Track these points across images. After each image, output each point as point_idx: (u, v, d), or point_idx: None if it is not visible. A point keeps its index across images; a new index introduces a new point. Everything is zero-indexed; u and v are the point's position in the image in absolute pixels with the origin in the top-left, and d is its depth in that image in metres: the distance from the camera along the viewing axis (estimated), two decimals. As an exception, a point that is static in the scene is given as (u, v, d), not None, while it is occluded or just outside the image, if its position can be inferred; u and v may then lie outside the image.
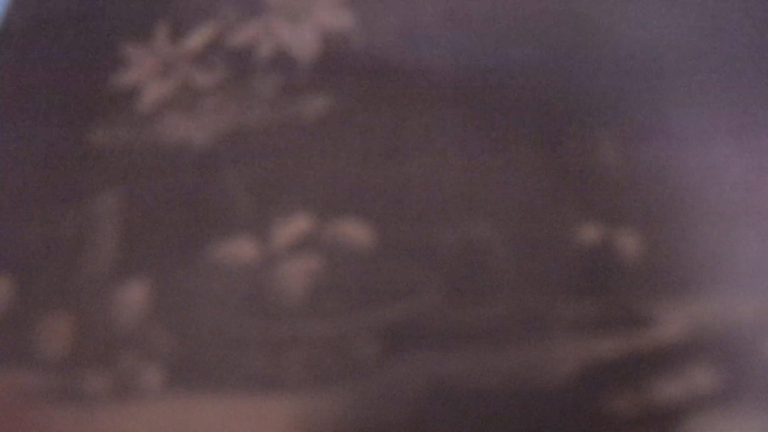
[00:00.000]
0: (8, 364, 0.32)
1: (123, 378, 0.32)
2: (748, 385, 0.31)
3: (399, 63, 0.37)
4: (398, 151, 0.35)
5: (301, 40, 0.38)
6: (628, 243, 0.33)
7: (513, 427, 0.30)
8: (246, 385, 0.32)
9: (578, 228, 0.33)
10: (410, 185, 0.34)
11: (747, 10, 0.38)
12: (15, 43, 0.39)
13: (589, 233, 0.33)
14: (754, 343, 0.31)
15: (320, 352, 0.32)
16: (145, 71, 0.38)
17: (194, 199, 0.34)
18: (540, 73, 0.36)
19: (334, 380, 0.31)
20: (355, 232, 0.34)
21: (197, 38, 0.39)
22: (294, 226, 0.34)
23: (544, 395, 0.31)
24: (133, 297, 0.33)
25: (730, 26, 0.38)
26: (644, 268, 0.33)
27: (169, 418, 0.31)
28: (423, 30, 0.38)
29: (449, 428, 0.31)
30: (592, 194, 0.34)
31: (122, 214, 0.34)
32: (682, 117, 0.36)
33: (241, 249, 0.34)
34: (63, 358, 0.32)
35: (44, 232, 0.34)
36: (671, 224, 0.33)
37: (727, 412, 0.31)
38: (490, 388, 0.31)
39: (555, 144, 0.35)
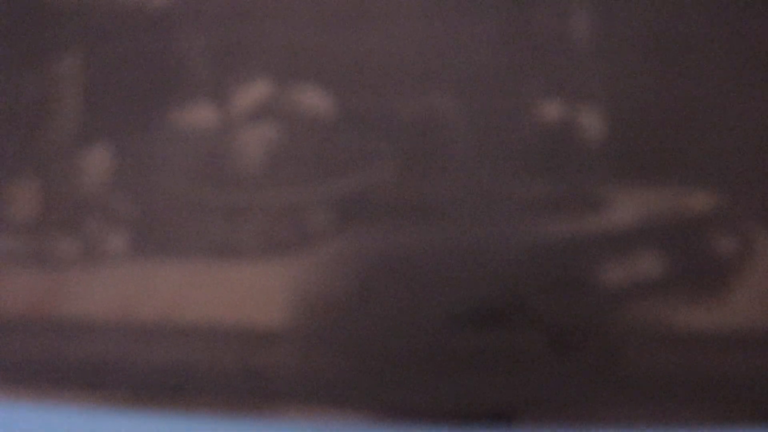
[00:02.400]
0: (-20, 227, 0.34)
1: (89, 242, 0.33)
2: (690, 274, 0.31)
3: None
4: (362, 17, 0.34)
5: None
6: (590, 123, 0.33)
7: (455, 299, 0.31)
8: (204, 251, 0.33)
9: (540, 105, 0.33)
10: (371, 54, 0.34)
11: None
12: None
13: (551, 111, 0.33)
14: (699, 235, 0.31)
15: (275, 221, 0.32)
16: None
17: (153, 63, 0.34)
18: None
19: (287, 249, 0.32)
20: (313, 100, 0.33)
21: None
22: (252, 93, 0.34)
23: (489, 272, 0.31)
24: (96, 162, 0.34)
25: None
26: (603, 150, 0.32)
27: (133, 282, 0.33)
28: None
29: (395, 299, 0.32)
30: (558, 69, 0.33)
31: (83, 78, 0.34)
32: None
33: (199, 115, 0.34)
34: (32, 223, 0.33)
35: (8, 98, 0.34)
36: (636, 106, 0.32)
37: (669, 299, 0.31)
38: (436, 262, 0.32)
39: (524, 13, 0.33)
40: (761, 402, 0.31)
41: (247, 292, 0.32)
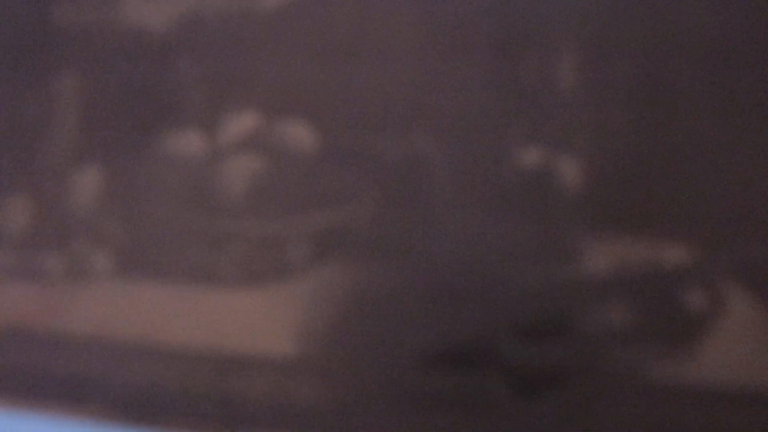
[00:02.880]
0: (-27, 239, 0.35)
1: (76, 261, 0.34)
2: (662, 327, 0.32)
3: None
4: (353, 56, 0.34)
5: None
6: (569, 172, 0.33)
7: (427, 339, 0.32)
8: (185, 276, 0.34)
9: (521, 151, 0.33)
10: (359, 92, 0.34)
11: None
12: None
13: (531, 157, 0.33)
14: (672, 288, 0.32)
15: (255, 250, 0.33)
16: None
17: (148, 89, 0.35)
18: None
19: (265, 279, 0.33)
20: (299, 135, 0.34)
21: None
22: (241, 123, 0.35)
23: (461, 314, 0.32)
24: (87, 183, 0.35)
25: None
26: (580, 199, 0.33)
27: (115, 301, 0.34)
28: None
29: (369, 334, 0.33)
30: (541, 117, 0.33)
31: (81, 99, 0.35)
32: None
33: (189, 142, 0.35)
34: (22, 238, 0.34)
35: (7, 114, 0.35)
36: (616, 157, 0.33)
37: (640, 351, 0.32)
38: (410, 301, 0.32)
39: (512, 60, 0.34)
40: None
41: (224, 319, 0.33)
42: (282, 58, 0.35)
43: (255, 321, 0.33)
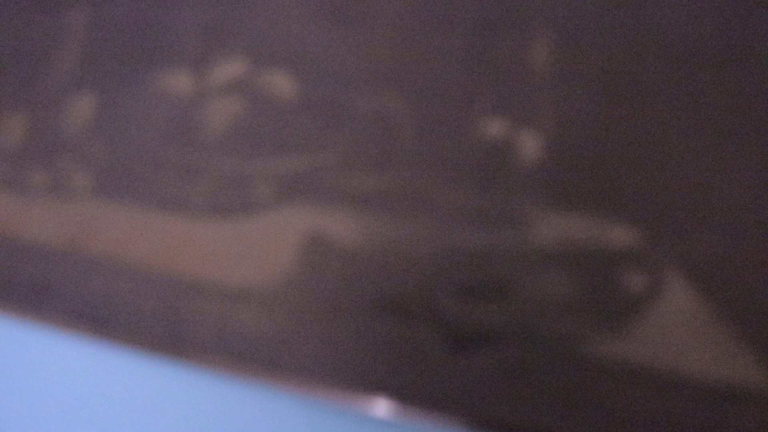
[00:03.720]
0: (-29, 148, 0.37)
1: (60, 177, 0.36)
2: (598, 304, 0.33)
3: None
4: (341, 16, 0.36)
5: None
6: (529, 145, 0.34)
7: (375, 287, 0.33)
8: (157, 201, 0.36)
9: (486, 121, 0.35)
10: (342, 51, 0.36)
11: None
12: None
13: (495, 128, 0.35)
14: (613, 267, 0.33)
15: (223, 185, 0.35)
16: None
17: (148, 29, 0.38)
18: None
19: (229, 212, 0.35)
20: (280, 84, 0.36)
21: None
22: (229, 69, 0.37)
23: (403, 266, 0.33)
24: (81, 109, 0.37)
25: None
26: (536, 172, 0.34)
27: (90, 218, 0.36)
28: None
29: (323, 277, 0.34)
30: (510, 91, 0.35)
31: (86, 32, 0.38)
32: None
33: (178, 81, 0.37)
34: (14, 153, 0.37)
35: (17, 40, 0.38)
36: (577, 136, 0.34)
37: (573, 323, 0.33)
38: (363, 250, 0.34)
39: (489, 36, 0.36)
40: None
41: (186, 245, 0.35)
42: (274, 12, 0.37)
43: (214, 250, 0.35)
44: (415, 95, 0.35)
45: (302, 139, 0.36)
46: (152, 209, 0.35)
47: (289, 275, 0.34)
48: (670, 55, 0.35)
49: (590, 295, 0.33)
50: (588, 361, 0.33)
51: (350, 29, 0.37)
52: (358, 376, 0.33)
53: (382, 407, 0.32)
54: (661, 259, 0.34)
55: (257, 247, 0.35)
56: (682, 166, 0.34)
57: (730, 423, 0.31)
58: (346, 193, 0.35)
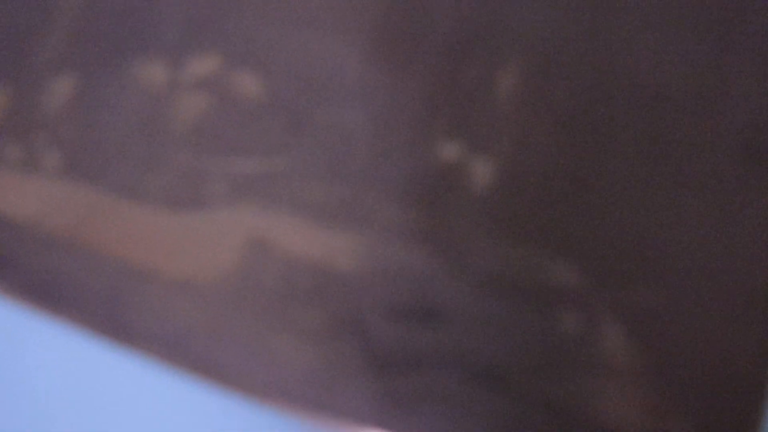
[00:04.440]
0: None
1: (31, 154, 0.38)
2: (528, 338, 0.32)
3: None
4: (317, 23, 0.37)
5: None
6: (482, 172, 0.34)
7: (301, 295, 0.34)
8: (118, 188, 0.37)
9: (443, 142, 0.35)
10: (312, 57, 0.37)
11: None
12: None
13: (450, 150, 0.35)
14: (549, 305, 0.33)
15: (180, 178, 0.36)
16: None
17: (133, 17, 0.38)
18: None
19: (182, 206, 0.36)
20: (248, 85, 0.37)
21: None
22: (202, 65, 0.37)
23: (337, 279, 0.34)
24: (60, 89, 0.38)
25: None
26: (484, 199, 0.34)
27: (54, 197, 0.37)
28: None
29: (256, 277, 0.35)
30: (471, 115, 0.35)
31: (77, 13, 0.39)
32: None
33: (154, 72, 0.38)
34: (-7, 124, 0.38)
35: (7, 17, 0.39)
36: (532, 168, 0.34)
37: (505, 355, 0.32)
38: (297, 256, 0.34)
39: (459, 58, 0.36)
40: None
41: (137, 233, 0.36)
42: (253, 13, 0.38)
43: (162, 241, 0.36)
44: (376, 109, 0.36)
45: (261, 142, 0.36)
46: (112, 195, 0.37)
47: (229, 273, 0.35)
48: (636, 99, 0.34)
49: (523, 330, 0.33)
50: (513, 395, 0.33)
51: (324, 37, 0.37)
52: (279, 381, 0.34)
53: (295, 415, 0.33)
54: (599, 304, 0.33)
55: (203, 243, 0.35)
56: (634, 213, 0.34)
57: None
58: (295, 200, 0.35)
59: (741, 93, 0.34)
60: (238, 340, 0.34)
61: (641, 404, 0.32)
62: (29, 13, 0.39)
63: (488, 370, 0.33)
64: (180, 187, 0.36)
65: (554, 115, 0.35)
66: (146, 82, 0.38)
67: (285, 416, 0.33)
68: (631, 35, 0.35)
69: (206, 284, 0.35)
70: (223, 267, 0.35)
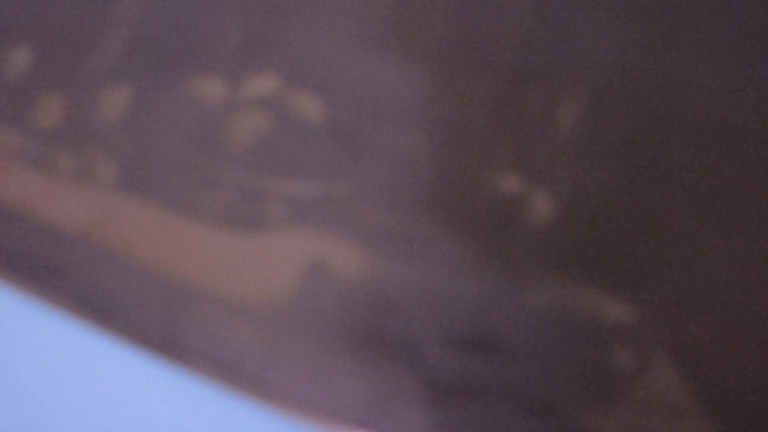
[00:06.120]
0: (9, 125, 0.39)
1: (86, 165, 0.38)
2: (581, 373, 0.33)
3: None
4: (381, 45, 0.37)
5: None
6: (542, 206, 0.34)
7: (360, 321, 0.34)
8: (174, 204, 0.37)
9: (503, 173, 0.35)
10: (375, 80, 0.37)
11: None
12: None
13: (510, 182, 0.35)
14: (602, 342, 0.33)
15: (238, 198, 0.36)
16: None
17: (191, 29, 0.38)
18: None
19: (240, 227, 0.36)
20: (310, 107, 0.37)
21: None
22: (262, 83, 0.37)
23: (396, 307, 0.34)
24: (117, 100, 0.38)
25: None
26: (543, 233, 0.34)
27: (109, 210, 0.37)
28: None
29: (314, 302, 0.35)
30: (531, 148, 0.35)
31: (134, 25, 0.39)
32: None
33: (212, 88, 0.38)
34: (48, 133, 0.38)
35: (67, 20, 0.39)
36: (592, 203, 0.34)
37: (559, 389, 0.33)
38: (356, 282, 0.35)
39: (521, 88, 0.36)
40: None
41: (194, 250, 0.36)
42: (315, 32, 0.38)
43: (219, 260, 0.36)
44: (438, 137, 0.36)
45: (321, 166, 0.36)
46: (168, 211, 0.37)
47: (287, 296, 0.35)
48: (696, 137, 0.35)
49: (577, 364, 0.34)
50: (565, 428, 0.33)
51: (388, 61, 0.37)
52: (334, 405, 0.34)
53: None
54: (653, 340, 0.34)
55: (261, 264, 0.35)
56: (689, 251, 0.34)
57: None
58: (354, 225, 0.35)
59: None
60: (293, 362, 0.35)
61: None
62: (87, 21, 0.39)
63: (541, 402, 0.33)
64: (238, 206, 0.36)
65: (613, 149, 0.35)
66: (203, 98, 0.38)
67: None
68: (693, 70, 0.35)
69: (263, 306, 0.35)
70: (280, 289, 0.35)
